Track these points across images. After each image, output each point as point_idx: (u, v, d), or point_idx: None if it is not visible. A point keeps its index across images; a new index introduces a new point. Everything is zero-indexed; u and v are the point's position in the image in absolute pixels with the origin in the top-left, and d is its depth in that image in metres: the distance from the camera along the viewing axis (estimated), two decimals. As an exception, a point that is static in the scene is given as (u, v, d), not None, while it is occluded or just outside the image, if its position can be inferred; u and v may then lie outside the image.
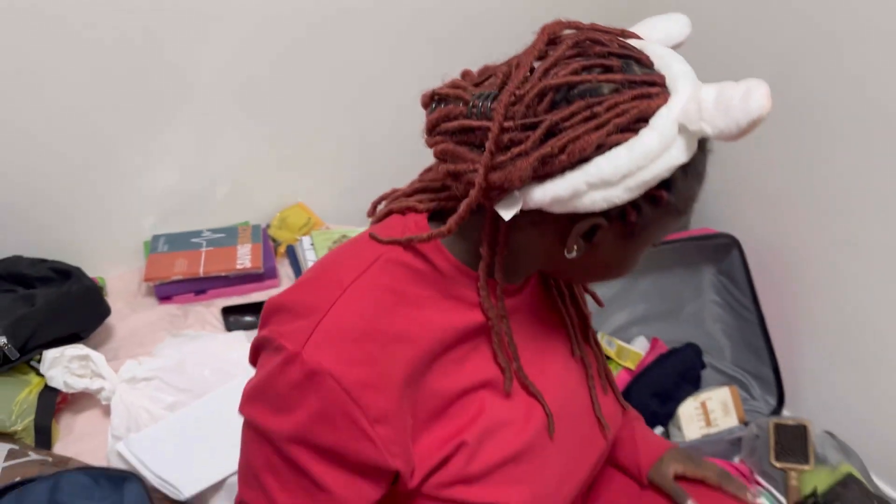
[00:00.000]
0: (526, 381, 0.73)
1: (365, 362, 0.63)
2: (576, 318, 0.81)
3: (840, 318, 1.59)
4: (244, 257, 1.58)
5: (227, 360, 1.28)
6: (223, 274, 1.55)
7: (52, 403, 1.19)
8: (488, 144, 0.59)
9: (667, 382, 1.70)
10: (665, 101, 0.59)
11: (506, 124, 0.59)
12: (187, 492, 1.02)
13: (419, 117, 1.92)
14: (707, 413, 1.68)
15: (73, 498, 0.89)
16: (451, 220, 0.65)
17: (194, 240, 1.63)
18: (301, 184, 1.76)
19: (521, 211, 0.62)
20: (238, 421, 1.07)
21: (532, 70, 0.60)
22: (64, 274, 1.41)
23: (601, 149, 0.58)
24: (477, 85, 0.64)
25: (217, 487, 1.07)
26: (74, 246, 1.56)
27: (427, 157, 0.70)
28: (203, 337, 1.36)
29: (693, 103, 0.57)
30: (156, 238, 1.63)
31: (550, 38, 0.62)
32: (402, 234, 0.69)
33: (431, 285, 0.68)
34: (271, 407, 0.65)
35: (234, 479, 1.08)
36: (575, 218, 0.63)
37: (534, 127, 0.59)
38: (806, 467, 1.54)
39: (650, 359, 1.74)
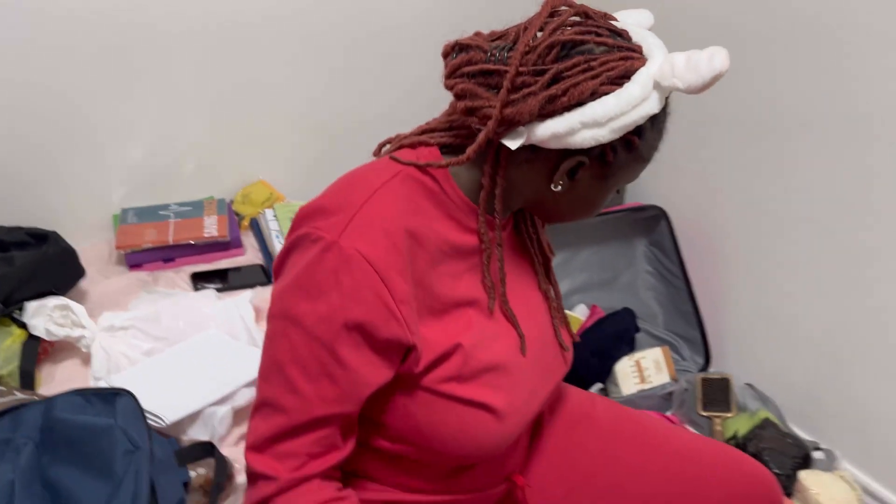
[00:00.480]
0: (506, 305, 0.87)
1: (392, 251, 0.75)
2: (541, 258, 0.96)
3: (757, 283, 1.75)
4: (211, 227, 1.68)
5: (200, 313, 1.37)
6: (191, 242, 1.64)
7: (35, 350, 1.27)
8: (505, 83, 0.72)
9: (604, 343, 1.85)
10: (644, 63, 0.74)
11: (520, 69, 0.73)
12: (169, 418, 1.11)
13: (376, 101, 2.09)
14: (641, 371, 1.82)
15: (68, 414, 0.97)
16: (470, 149, 0.76)
17: (162, 212, 1.72)
18: (263, 162, 1.86)
19: (520, 147, 0.76)
20: (212, 363, 1.18)
21: (540, 30, 0.75)
22: (40, 238, 1.48)
23: (594, 95, 0.72)
24: (493, 41, 0.77)
25: (195, 417, 1.16)
26: (46, 220, 1.61)
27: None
28: (176, 294, 1.46)
29: (667, 65, 0.73)
30: (125, 211, 1.72)
31: (552, 10, 0.77)
32: (416, 160, 0.82)
33: (439, 205, 0.80)
34: (307, 294, 0.74)
35: (210, 410, 1.19)
36: (564, 155, 0.77)
37: (542, 73, 0.73)
38: (728, 415, 1.71)
39: (589, 323, 1.90)
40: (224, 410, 1.18)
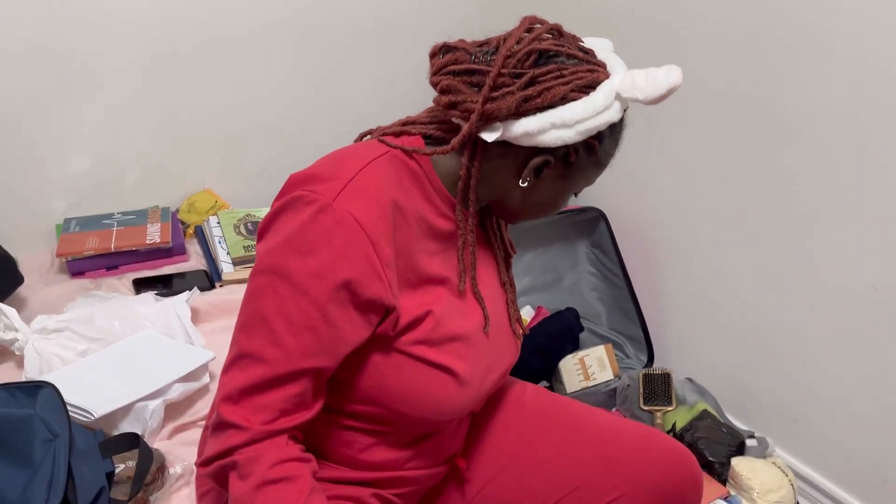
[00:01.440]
0: (475, 287, 0.95)
1: (381, 218, 0.81)
2: (503, 253, 1.03)
3: (694, 281, 1.81)
4: (154, 234, 1.69)
5: (136, 314, 1.39)
6: (134, 249, 1.66)
7: (-33, 354, 1.28)
8: (487, 82, 0.81)
9: (549, 341, 1.88)
10: (608, 76, 0.84)
11: (502, 70, 0.81)
12: (97, 412, 1.12)
13: (315, 110, 2.13)
14: (585, 368, 1.86)
15: (-9, 407, 0.99)
16: (455, 140, 0.84)
17: (106, 221, 1.73)
18: (207, 170, 1.89)
19: (495, 143, 0.84)
20: (146, 361, 1.21)
21: (518, 41, 0.84)
22: (-24, 246, 1.49)
23: (564, 100, 0.82)
24: (477, 46, 0.86)
25: (126, 411, 1.17)
26: (-14, 230, 1.64)
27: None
28: (113, 297, 1.47)
29: (628, 79, 0.83)
30: (67, 221, 1.73)
31: (530, 25, 0.86)
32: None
33: (421, 187, 0.88)
34: (299, 251, 0.79)
35: (141, 405, 1.20)
36: (533, 153, 0.85)
37: (520, 76, 0.82)
38: (669, 408, 1.75)
39: (534, 323, 1.93)
40: (155, 404, 1.19)
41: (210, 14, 1.73)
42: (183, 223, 1.83)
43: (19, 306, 1.50)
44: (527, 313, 1.98)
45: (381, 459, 0.94)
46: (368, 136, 0.94)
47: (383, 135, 0.91)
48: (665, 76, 0.82)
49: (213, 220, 1.78)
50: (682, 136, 1.72)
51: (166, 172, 1.85)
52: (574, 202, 2.03)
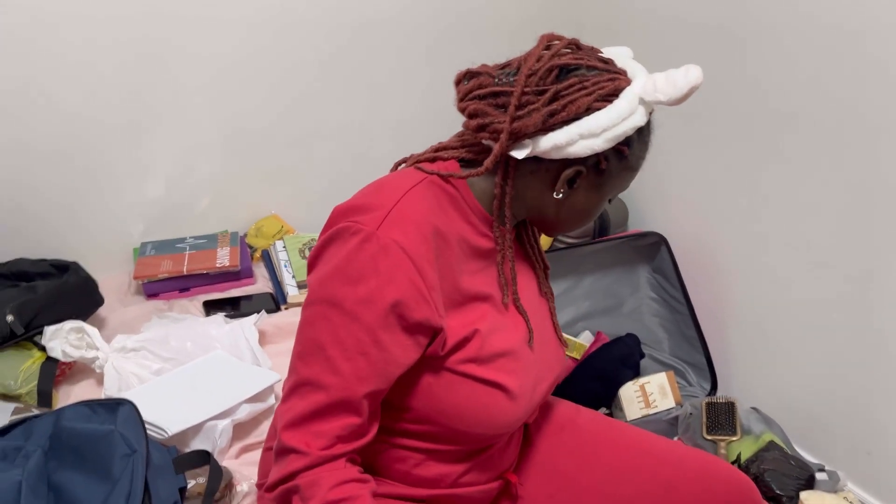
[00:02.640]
0: (518, 301, 0.97)
1: (422, 243, 0.84)
2: (541, 265, 1.05)
3: (760, 306, 1.76)
4: (223, 257, 1.76)
5: (208, 335, 1.45)
6: (204, 271, 1.73)
7: (53, 371, 1.35)
8: (512, 101, 0.83)
9: (608, 367, 1.86)
10: (629, 83, 0.86)
11: (525, 89, 0.84)
12: (171, 430, 1.17)
13: (374, 139, 2.17)
14: (646, 395, 1.84)
15: (74, 423, 1.04)
16: (487, 161, 0.87)
17: (179, 245, 1.82)
18: (274, 197, 1.96)
19: (526, 160, 0.86)
20: (216, 381, 1.26)
21: (538, 59, 0.86)
22: (62, 268, 1.58)
23: (589, 110, 0.83)
24: (499, 69, 0.89)
25: (197, 429, 1.22)
26: (70, 253, 1.71)
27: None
28: (186, 319, 1.53)
29: (649, 83, 0.85)
30: (144, 244, 1.82)
31: (548, 43, 0.89)
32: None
33: (458, 209, 0.90)
34: (347, 280, 0.82)
35: (211, 423, 1.25)
36: (564, 166, 0.87)
37: (543, 92, 0.84)
38: (733, 438, 1.70)
39: (593, 349, 1.92)
40: (224, 424, 1.24)
41: (277, 52, 1.81)
42: (250, 247, 1.90)
43: (99, 326, 1.58)
44: (586, 339, 1.97)
45: (434, 474, 0.96)
46: (403, 165, 0.97)
47: (417, 162, 0.94)
48: (684, 76, 0.83)
49: (279, 244, 1.84)
50: (747, 160, 1.70)
51: (235, 199, 1.93)
52: (635, 227, 2.02)
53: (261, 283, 1.80)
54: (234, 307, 1.69)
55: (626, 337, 1.93)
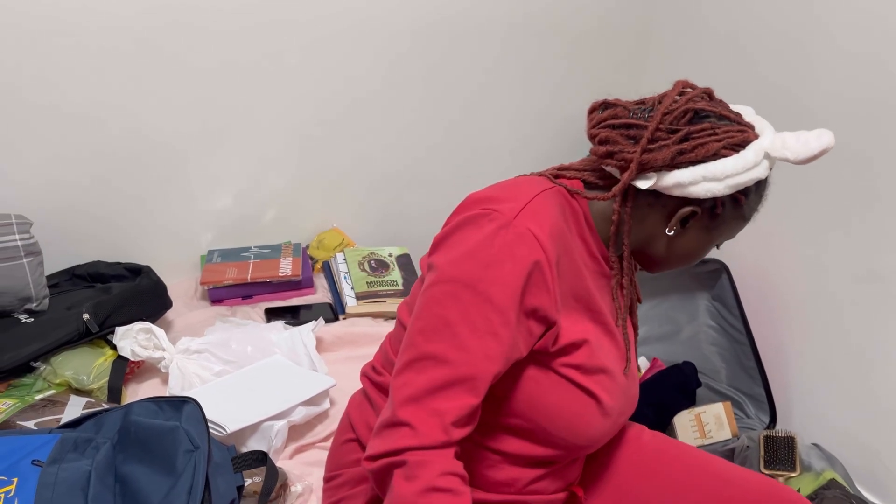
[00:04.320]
0: (625, 330, 1.00)
1: (553, 239, 0.88)
2: (637, 299, 1.08)
3: (824, 340, 1.72)
4: (286, 267, 1.82)
5: (268, 340, 1.49)
6: (267, 280, 1.78)
7: (123, 369, 1.41)
8: (646, 134, 0.88)
9: (664, 395, 1.84)
10: (757, 137, 0.90)
11: (659, 125, 0.89)
12: (230, 428, 1.21)
13: (442, 158, 2.20)
14: (701, 425, 1.80)
15: (142, 418, 1.09)
16: (616, 187, 0.91)
17: (244, 254, 1.88)
18: (336, 210, 2.01)
19: (645, 192, 0.91)
20: (274, 384, 1.29)
21: (674, 101, 0.91)
22: (135, 272, 1.66)
23: (716, 156, 0.88)
24: (634, 105, 0.94)
25: (254, 429, 1.26)
26: (142, 258, 1.79)
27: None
28: (247, 324, 1.58)
29: (777, 139, 0.89)
30: (211, 252, 1.89)
31: (682, 88, 0.94)
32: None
33: (578, 225, 0.95)
34: (481, 263, 0.84)
35: (268, 424, 1.28)
36: (681, 203, 0.91)
37: (676, 132, 0.89)
38: (793, 474, 1.66)
39: (649, 375, 1.89)
40: (280, 425, 1.27)
41: (346, 75, 1.86)
42: (312, 258, 1.95)
43: (166, 328, 1.64)
44: (642, 364, 1.95)
45: (505, 477, 0.97)
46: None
47: (540, 176, 0.97)
48: (817, 139, 0.87)
49: (339, 256, 1.88)
50: (812, 191, 1.67)
51: (299, 211, 1.98)
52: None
53: (320, 294, 1.85)
54: (293, 315, 1.74)
55: (683, 364, 1.90)
